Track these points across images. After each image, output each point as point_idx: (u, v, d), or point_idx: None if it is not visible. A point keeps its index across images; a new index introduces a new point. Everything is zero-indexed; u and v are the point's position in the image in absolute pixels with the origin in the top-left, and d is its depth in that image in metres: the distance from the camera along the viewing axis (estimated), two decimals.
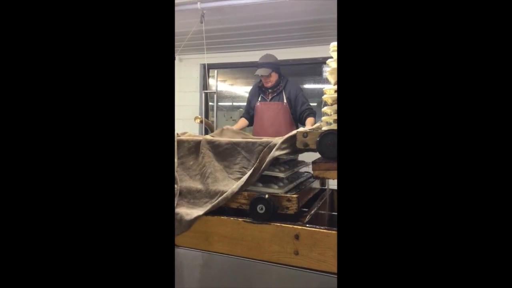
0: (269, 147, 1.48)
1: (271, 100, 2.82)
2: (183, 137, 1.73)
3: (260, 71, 2.72)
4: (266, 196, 1.38)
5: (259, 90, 2.89)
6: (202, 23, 2.89)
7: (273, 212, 1.36)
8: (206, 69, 3.96)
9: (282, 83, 2.81)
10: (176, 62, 4.37)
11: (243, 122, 3.01)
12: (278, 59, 2.90)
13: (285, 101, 2.78)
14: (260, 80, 2.87)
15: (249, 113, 3.01)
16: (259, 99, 2.89)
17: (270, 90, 2.83)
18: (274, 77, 2.77)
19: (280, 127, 2.75)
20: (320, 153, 1.36)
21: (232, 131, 2.28)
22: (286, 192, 1.45)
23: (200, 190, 1.55)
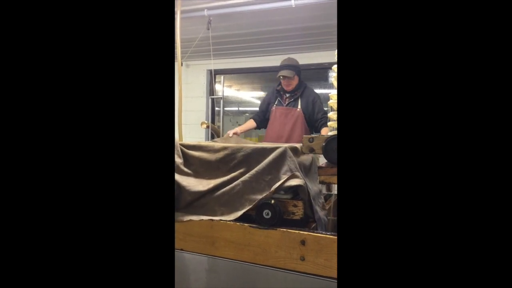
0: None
1: (287, 105, 2.78)
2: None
3: (284, 72, 2.68)
4: (272, 201, 1.38)
5: (277, 93, 2.85)
6: (209, 29, 2.92)
7: (279, 217, 1.36)
8: (213, 75, 3.99)
9: (301, 89, 2.78)
10: (183, 68, 4.41)
11: (250, 123, 2.91)
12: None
13: (299, 107, 2.74)
14: (279, 84, 2.82)
15: (260, 117, 2.92)
16: (276, 103, 2.84)
17: (288, 95, 2.78)
18: (295, 81, 2.74)
19: (291, 133, 2.69)
20: (325, 158, 1.36)
21: (237, 139, 2.27)
22: (292, 198, 1.46)
23: None
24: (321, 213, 1.55)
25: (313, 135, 1.45)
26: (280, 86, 2.83)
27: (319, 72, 4.12)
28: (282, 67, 2.74)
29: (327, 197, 1.99)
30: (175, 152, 1.65)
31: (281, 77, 2.72)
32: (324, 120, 2.61)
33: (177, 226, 1.50)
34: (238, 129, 2.65)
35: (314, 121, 2.71)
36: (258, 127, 2.96)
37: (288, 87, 2.75)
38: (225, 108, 4.73)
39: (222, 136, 3.06)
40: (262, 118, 2.91)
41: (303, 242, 1.29)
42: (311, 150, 1.41)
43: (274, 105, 2.84)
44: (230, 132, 2.56)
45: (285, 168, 1.46)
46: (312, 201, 1.47)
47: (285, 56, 3.10)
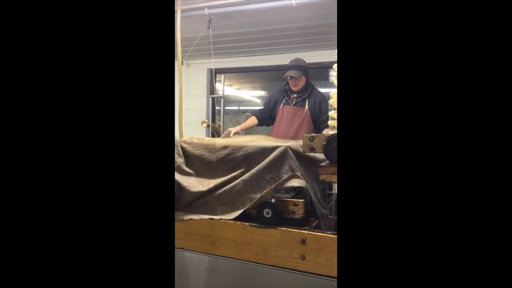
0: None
1: (294, 105, 2.77)
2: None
3: (290, 72, 2.69)
4: (273, 200, 1.38)
5: (284, 93, 2.84)
6: (209, 28, 2.92)
7: (279, 216, 1.36)
8: (213, 74, 3.98)
9: (308, 90, 2.78)
10: (184, 67, 4.40)
11: (252, 121, 2.88)
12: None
13: (306, 107, 2.73)
14: (287, 83, 2.82)
15: (263, 114, 2.89)
16: (283, 102, 2.83)
17: (295, 95, 2.77)
18: (302, 81, 2.74)
19: (297, 133, 2.67)
20: (326, 157, 1.36)
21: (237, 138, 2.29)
22: (293, 197, 1.45)
23: None
24: (323, 210, 1.55)
25: (313, 134, 1.45)
26: (287, 86, 2.82)
27: (319, 71, 4.11)
28: (289, 67, 2.74)
29: (328, 197, 1.99)
30: (176, 151, 1.65)
31: (288, 77, 2.72)
32: (327, 122, 2.61)
33: (177, 225, 1.50)
34: (239, 128, 2.64)
35: (319, 123, 2.73)
36: (260, 124, 2.92)
37: (295, 87, 2.75)
38: (226, 107, 4.72)
39: (222, 133, 3.06)
40: (265, 116, 2.89)
41: (303, 241, 1.29)
42: (312, 149, 1.40)
43: (281, 104, 2.83)
44: (232, 131, 2.54)
45: (285, 167, 1.46)
46: (314, 198, 1.47)
47: (286, 55, 3.10)
